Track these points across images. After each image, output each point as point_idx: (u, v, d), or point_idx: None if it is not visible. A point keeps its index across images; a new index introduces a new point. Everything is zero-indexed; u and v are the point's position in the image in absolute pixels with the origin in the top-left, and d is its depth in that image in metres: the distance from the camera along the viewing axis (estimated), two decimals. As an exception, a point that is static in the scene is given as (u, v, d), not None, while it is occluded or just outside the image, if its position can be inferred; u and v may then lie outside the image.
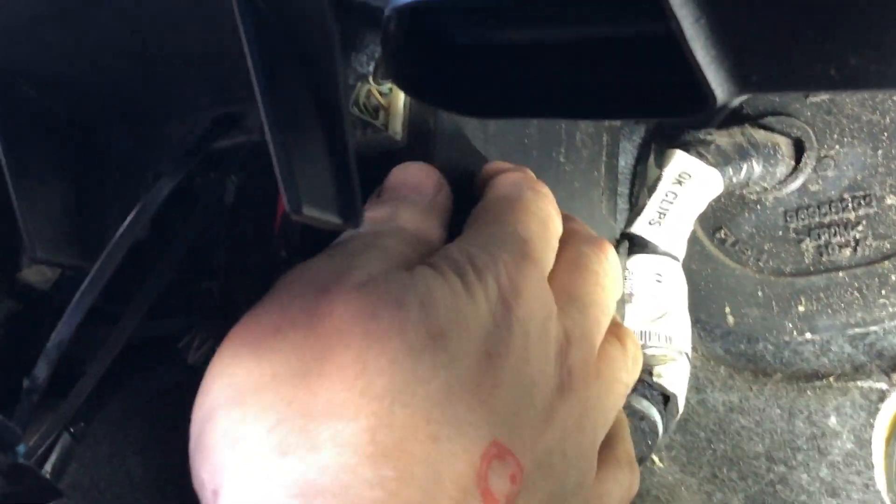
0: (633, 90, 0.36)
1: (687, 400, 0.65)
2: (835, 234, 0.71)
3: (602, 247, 0.50)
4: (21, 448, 0.38)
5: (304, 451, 0.36)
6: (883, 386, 0.69)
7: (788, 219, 0.73)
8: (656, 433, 0.61)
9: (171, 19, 0.37)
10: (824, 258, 0.71)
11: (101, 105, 0.41)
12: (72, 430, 0.51)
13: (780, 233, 0.74)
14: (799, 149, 0.73)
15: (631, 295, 0.64)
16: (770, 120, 0.74)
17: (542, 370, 0.43)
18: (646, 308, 0.64)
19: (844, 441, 0.70)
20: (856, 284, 0.70)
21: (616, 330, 0.50)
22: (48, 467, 0.49)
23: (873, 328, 0.69)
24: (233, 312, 0.43)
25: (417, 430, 0.37)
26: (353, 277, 0.40)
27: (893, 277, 0.68)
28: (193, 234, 0.47)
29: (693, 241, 0.74)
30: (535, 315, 0.43)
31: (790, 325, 0.72)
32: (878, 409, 0.69)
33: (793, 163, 0.73)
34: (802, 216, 0.73)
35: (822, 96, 0.72)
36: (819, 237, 0.72)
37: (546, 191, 0.48)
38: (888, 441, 0.69)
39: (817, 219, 0.72)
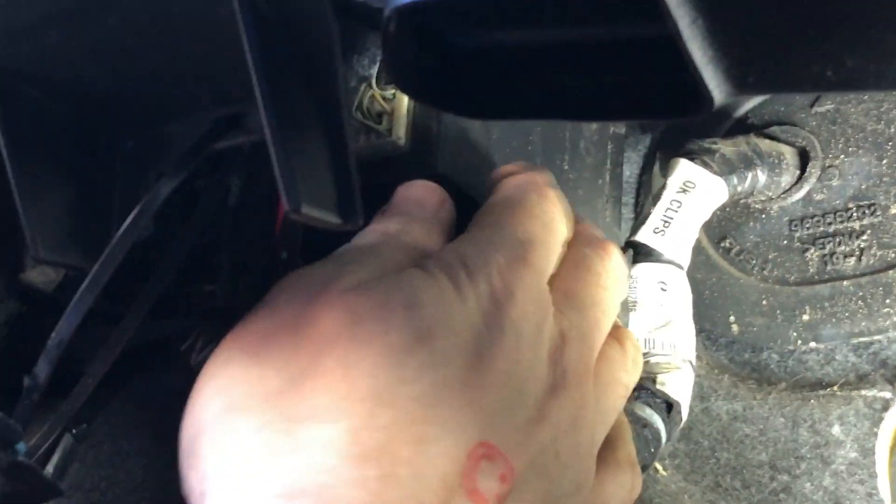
0: (631, 92, 0.36)
1: (691, 408, 0.65)
2: (839, 244, 0.71)
3: (606, 248, 0.50)
4: (21, 446, 0.38)
5: (287, 453, 0.37)
6: (887, 395, 0.68)
7: (793, 228, 0.73)
8: (659, 441, 0.61)
9: (173, 20, 0.37)
10: (829, 267, 0.71)
11: (103, 106, 0.41)
12: (74, 430, 0.51)
13: (785, 242, 0.74)
14: (804, 158, 0.73)
15: (635, 303, 0.64)
16: (775, 129, 0.74)
17: (535, 371, 0.43)
18: (650, 316, 0.64)
19: (848, 450, 0.70)
20: (860, 294, 0.69)
21: (616, 332, 0.50)
22: (50, 468, 0.49)
23: (877, 337, 0.69)
24: (235, 315, 0.43)
25: (402, 431, 0.37)
26: (341, 283, 0.41)
27: (898, 287, 0.68)
28: (196, 235, 0.47)
29: (698, 249, 0.74)
30: (529, 317, 0.43)
31: (794, 335, 0.72)
32: (881, 419, 0.68)
33: (798, 172, 0.73)
34: (807, 225, 0.73)
35: (827, 106, 0.72)
36: (824, 246, 0.72)
37: (553, 194, 0.48)
38: (892, 450, 0.68)
39: (822, 228, 0.72)
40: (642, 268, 0.65)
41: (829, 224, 0.72)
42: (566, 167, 0.68)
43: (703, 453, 0.76)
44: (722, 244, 0.77)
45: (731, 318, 0.75)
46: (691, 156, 0.68)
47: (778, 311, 0.73)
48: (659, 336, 0.63)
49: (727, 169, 0.68)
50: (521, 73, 0.38)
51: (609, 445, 0.49)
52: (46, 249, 0.41)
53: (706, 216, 0.68)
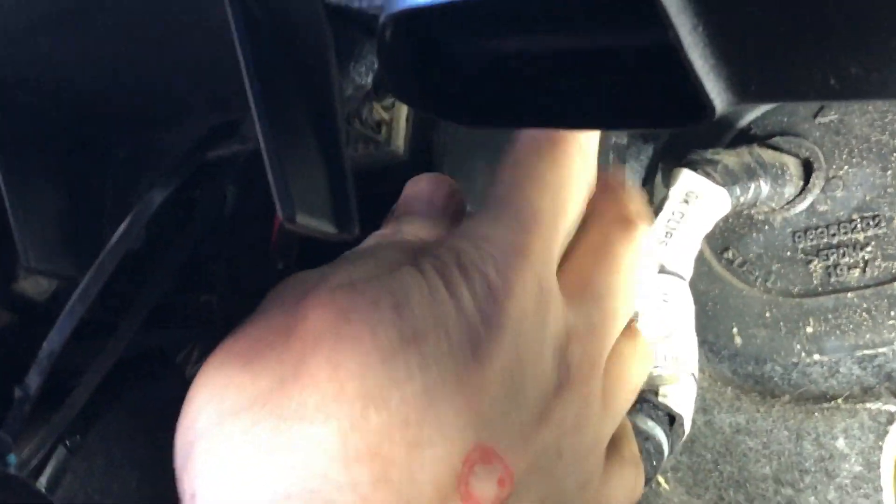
0: (632, 100, 0.36)
1: (693, 421, 0.65)
2: (843, 255, 0.70)
3: (630, 227, 0.46)
4: (12, 458, 0.37)
5: (277, 452, 0.36)
6: (892, 408, 0.68)
7: (797, 239, 0.73)
8: (661, 454, 0.60)
9: (167, 26, 0.37)
10: (833, 279, 0.71)
11: (96, 113, 0.41)
12: (67, 442, 0.50)
13: (789, 253, 0.73)
14: (807, 169, 0.72)
15: (637, 314, 0.64)
16: (778, 140, 0.73)
17: (537, 369, 0.41)
18: (652, 328, 0.63)
19: (853, 463, 0.69)
20: (864, 305, 0.69)
21: (629, 326, 0.48)
22: (43, 480, 0.49)
23: (882, 350, 0.68)
24: (231, 325, 0.43)
25: (394, 433, 0.36)
26: (332, 281, 0.40)
27: (903, 298, 0.68)
28: (191, 245, 0.46)
29: (700, 261, 0.74)
30: (530, 313, 0.41)
31: (798, 347, 0.71)
32: (886, 432, 0.68)
33: (801, 183, 0.72)
34: (811, 236, 0.72)
35: (831, 116, 0.72)
36: (828, 258, 0.71)
37: (570, 154, 0.44)
38: (897, 464, 0.68)
39: (826, 239, 0.71)
40: (644, 279, 0.64)
41: (833, 235, 0.71)
42: (567, 177, 0.67)
43: (706, 466, 0.76)
44: (725, 255, 0.76)
45: (734, 330, 0.74)
46: (694, 166, 0.67)
47: (781, 323, 0.72)
48: (661, 348, 0.63)
49: (730, 179, 0.68)
50: (519, 80, 0.38)
51: (613, 443, 0.47)
52: (37, 258, 0.41)
53: (709, 227, 0.68)
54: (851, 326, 0.69)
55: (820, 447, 0.71)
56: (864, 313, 0.69)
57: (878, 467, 0.68)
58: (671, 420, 0.62)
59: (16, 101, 0.39)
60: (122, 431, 0.56)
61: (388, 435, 0.36)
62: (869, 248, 0.70)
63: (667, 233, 0.65)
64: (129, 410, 0.56)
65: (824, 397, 0.72)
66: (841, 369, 0.71)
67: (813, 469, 0.71)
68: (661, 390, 0.62)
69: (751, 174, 0.69)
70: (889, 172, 0.69)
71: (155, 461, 0.59)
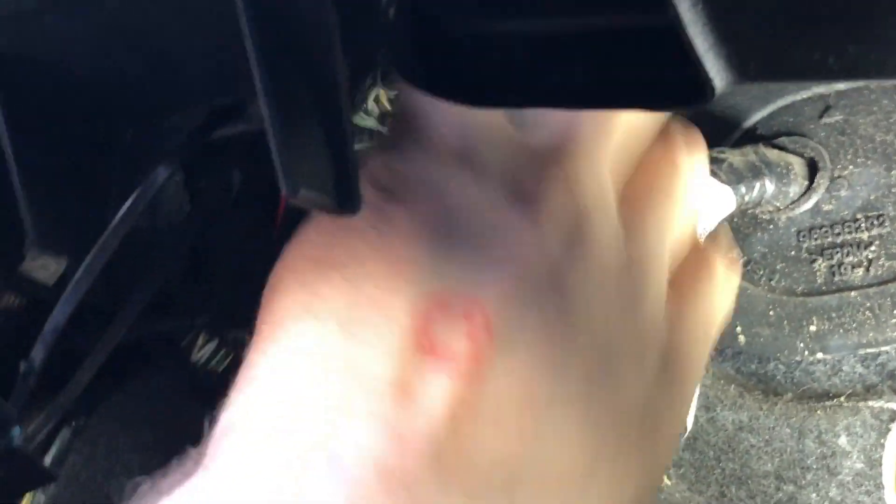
0: (631, 81, 0.36)
1: (696, 418, 0.65)
2: (847, 254, 0.71)
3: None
4: (17, 431, 0.38)
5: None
6: (894, 406, 0.68)
7: (801, 238, 0.73)
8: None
9: (174, 7, 0.37)
10: (837, 278, 0.71)
11: (102, 94, 0.41)
12: (73, 423, 0.51)
13: (793, 252, 0.73)
14: (812, 169, 0.72)
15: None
16: (783, 140, 0.73)
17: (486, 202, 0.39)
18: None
19: (854, 461, 0.69)
20: (868, 304, 0.69)
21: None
22: (47, 460, 0.49)
23: (885, 348, 0.69)
24: (235, 312, 0.43)
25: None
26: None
27: (906, 297, 0.68)
28: (196, 229, 0.47)
29: (705, 259, 0.74)
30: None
31: (801, 345, 0.71)
32: (888, 430, 0.68)
33: (806, 182, 0.72)
34: (815, 236, 0.72)
35: (836, 117, 0.72)
36: (832, 257, 0.71)
37: None
38: (899, 462, 0.68)
39: (830, 238, 0.72)
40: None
41: (838, 235, 0.71)
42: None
43: (709, 463, 0.76)
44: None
45: (738, 329, 0.75)
46: (698, 164, 0.68)
47: (785, 322, 0.72)
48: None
49: (735, 178, 0.68)
50: (520, 61, 0.38)
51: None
52: (44, 239, 0.41)
53: (713, 226, 0.68)
54: (855, 325, 0.69)
55: (822, 445, 0.71)
56: (867, 312, 0.69)
57: (880, 465, 0.68)
58: (674, 416, 0.62)
59: (22, 81, 0.39)
60: (126, 416, 0.56)
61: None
62: (873, 248, 0.70)
63: (671, 231, 0.65)
64: (133, 395, 0.56)
65: (827, 395, 0.72)
66: (844, 367, 0.71)
67: (815, 466, 0.71)
68: (664, 387, 0.62)
69: (756, 173, 0.69)
70: (894, 172, 0.69)
71: (158, 445, 0.59)
